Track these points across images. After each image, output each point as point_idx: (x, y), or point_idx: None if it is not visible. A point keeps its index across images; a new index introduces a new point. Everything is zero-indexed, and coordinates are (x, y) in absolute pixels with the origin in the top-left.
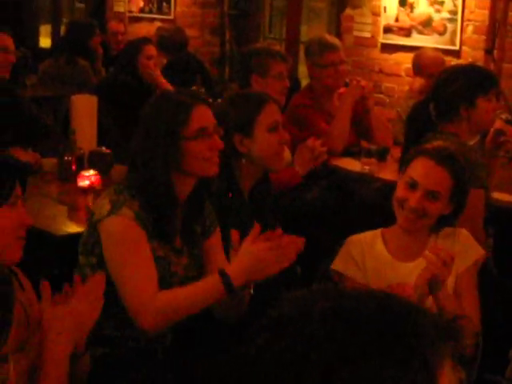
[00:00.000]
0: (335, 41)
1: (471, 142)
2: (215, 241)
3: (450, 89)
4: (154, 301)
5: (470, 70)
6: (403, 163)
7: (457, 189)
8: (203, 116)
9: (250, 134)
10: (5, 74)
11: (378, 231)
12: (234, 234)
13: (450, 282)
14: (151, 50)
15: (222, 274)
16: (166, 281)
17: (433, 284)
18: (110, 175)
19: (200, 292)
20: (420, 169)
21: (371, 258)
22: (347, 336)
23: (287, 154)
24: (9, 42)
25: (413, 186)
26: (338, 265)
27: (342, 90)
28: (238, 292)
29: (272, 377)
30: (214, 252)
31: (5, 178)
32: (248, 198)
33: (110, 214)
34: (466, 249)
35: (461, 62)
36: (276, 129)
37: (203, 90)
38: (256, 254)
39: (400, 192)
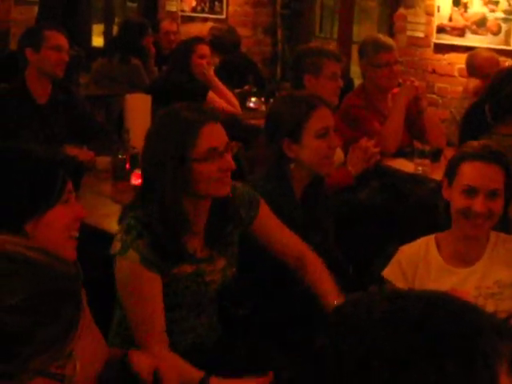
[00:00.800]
0: (390, 41)
1: None
2: (264, 215)
3: (505, 90)
4: (155, 345)
5: None
6: (449, 173)
7: (509, 180)
8: (213, 135)
9: (298, 140)
10: (59, 73)
11: (432, 237)
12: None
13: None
14: (204, 49)
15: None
16: (202, 292)
17: None
18: None
19: (182, 375)
20: (473, 173)
21: (425, 265)
22: (410, 337)
23: (340, 154)
24: (63, 41)
25: (471, 192)
26: (388, 273)
27: (395, 90)
28: None
29: (335, 379)
30: (269, 225)
31: (57, 176)
32: (300, 200)
33: (119, 255)
34: None
35: None
36: (326, 135)
37: (255, 89)
38: None
39: (460, 202)
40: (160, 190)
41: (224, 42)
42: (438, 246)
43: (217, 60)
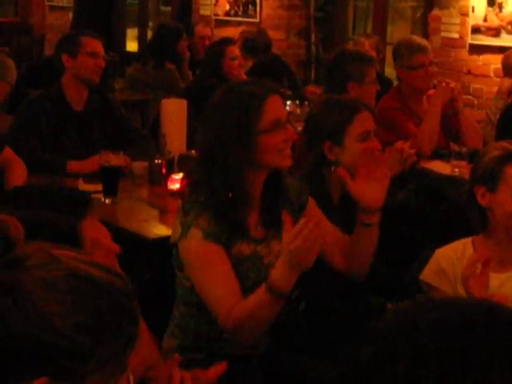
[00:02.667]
0: (424, 42)
1: None
2: (311, 213)
3: None
4: (229, 314)
5: None
6: (488, 179)
7: None
8: (277, 107)
9: (340, 143)
10: (95, 78)
11: (469, 240)
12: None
13: None
14: (234, 50)
15: (270, 290)
16: (263, 276)
17: None
18: None
19: (256, 303)
20: None
21: (462, 267)
22: (456, 348)
23: None
24: (99, 47)
25: None
26: (427, 276)
27: (430, 91)
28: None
29: None
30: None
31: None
32: (338, 204)
33: (182, 238)
34: None
35: None
36: (367, 138)
37: (290, 93)
38: (287, 248)
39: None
40: (223, 163)
41: (255, 45)
42: (476, 249)
43: (249, 63)
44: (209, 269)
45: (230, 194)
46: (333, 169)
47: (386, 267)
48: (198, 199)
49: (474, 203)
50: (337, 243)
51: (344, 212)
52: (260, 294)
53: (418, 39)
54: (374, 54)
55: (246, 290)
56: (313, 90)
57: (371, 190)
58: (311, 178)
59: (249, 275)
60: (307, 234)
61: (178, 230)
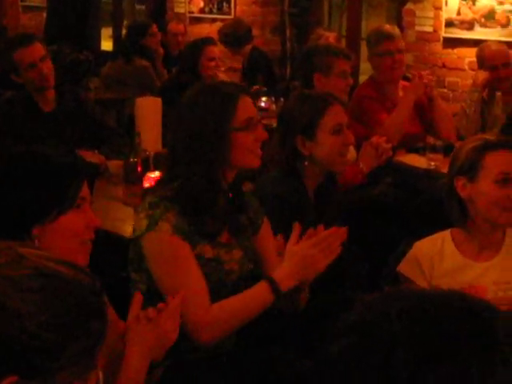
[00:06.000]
0: (393, 31)
1: None
2: (265, 233)
3: None
4: (207, 315)
5: None
6: (468, 169)
7: None
8: (249, 106)
9: (312, 137)
10: (47, 84)
11: (447, 232)
12: (279, 238)
13: None
14: (213, 51)
15: (270, 281)
16: (222, 282)
17: None
18: None
19: (249, 301)
20: (504, 161)
21: (441, 261)
22: (430, 335)
23: (352, 152)
24: (37, 52)
25: (505, 180)
26: (404, 268)
27: (404, 83)
28: (287, 295)
29: (357, 378)
30: (266, 245)
31: (71, 181)
32: (313, 198)
33: (149, 230)
34: None
35: None
36: (339, 131)
37: (265, 89)
38: (300, 254)
39: (496, 194)
40: (196, 161)
41: (237, 36)
42: (455, 241)
43: (239, 57)
44: (179, 264)
45: (204, 193)
46: (306, 163)
47: (363, 262)
48: (165, 195)
49: (453, 195)
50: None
51: (319, 205)
52: (257, 289)
53: (387, 28)
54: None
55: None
56: None
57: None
58: (285, 174)
59: (210, 279)
60: (325, 245)
61: (143, 222)
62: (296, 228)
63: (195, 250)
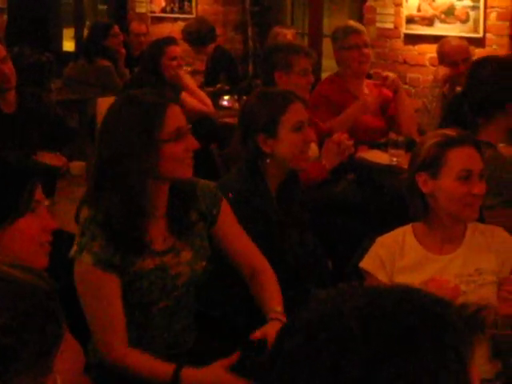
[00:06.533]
0: (360, 26)
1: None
2: (226, 219)
3: (496, 85)
4: (123, 355)
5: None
6: (430, 165)
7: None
8: (177, 116)
9: (274, 135)
10: (8, 85)
11: (409, 227)
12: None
13: (492, 284)
14: (174, 50)
15: (174, 375)
16: (168, 287)
17: None
18: None
19: (152, 372)
20: (465, 157)
21: (404, 255)
22: (381, 333)
23: (314, 149)
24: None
25: (467, 176)
26: (366, 264)
27: (368, 81)
28: None
29: (309, 376)
30: (229, 231)
31: (25, 184)
32: (276, 197)
33: (76, 257)
34: (505, 250)
35: (486, 50)
36: (301, 128)
37: (228, 88)
38: (218, 379)
39: (458, 189)
40: (124, 175)
41: (201, 35)
42: (416, 235)
43: (203, 56)
44: (95, 295)
45: (131, 208)
46: (268, 160)
47: (327, 259)
48: (95, 217)
49: (415, 190)
50: (246, 270)
51: (283, 205)
52: (163, 369)
53: (353, 23)
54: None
55: (152, 303)
56: None
57: None
58: (247, 173)
59: (152, 289)
60: None
61: (74, 247)
62: (235, 356)
63: (134, 268)
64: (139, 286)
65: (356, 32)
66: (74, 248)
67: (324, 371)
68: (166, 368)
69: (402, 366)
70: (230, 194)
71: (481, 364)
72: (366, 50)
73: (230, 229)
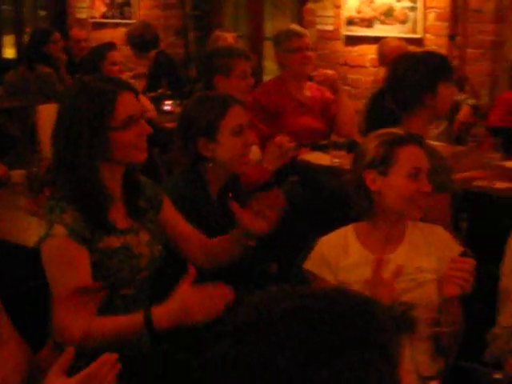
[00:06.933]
0: (302, 29)
1: (437, 130)
2: (169, 211)
3: (409, 79)
4: (86, 324)
5: (427, 57)
6: (380, 163)
7: None
8: (129, 103)
9: (214, 138)
10: None
11: (350, 227)
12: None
13: (433, 282)
14: (115, 55)
15: (146, 318)
16: (134, 267)
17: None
18: None
19: (121, 328)
20: (414, 156)
21: (346, 256)
22: (310, 336)
23: (256, 151)
24: None
25: (416, 174)
26: (310, 265)
27: (310, 83)
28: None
29: (239, 381)
30: (173, 221)
31: None
32: (217, 201)
33: (46, 236)
34: (444, 248)
35: (424, 49)
36: (241, 132)
37: (170, 92)
38: (184, 302)
39: (407, 187)
40: (77, 162)
41: (145, 40)
42: (359, 236)
43: (145, 61)
44: (71, 266)
45: (89, 190)
46: (210, 165)
47: (271, 261)
48: (63, 195)
49: (362, 189)
50: (196, 242)
51: (222, 207)
52: (132, 319)
53: (295, 26)
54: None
55: (123, 280)
56: None
57: (260, 221)
58: (188, 177)
59: (123, 267)
60: (211, 303)
61: (43, 228)
62: (191, 271)
63: (100, 245)
64: (109, 265)
65: (298, 35)
66: (43, 229)
67: (252, 376)
68: (135, 318)
69: (329, 369)
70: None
71: (424, 361)
72: (308, 53)
73: (174, 215)
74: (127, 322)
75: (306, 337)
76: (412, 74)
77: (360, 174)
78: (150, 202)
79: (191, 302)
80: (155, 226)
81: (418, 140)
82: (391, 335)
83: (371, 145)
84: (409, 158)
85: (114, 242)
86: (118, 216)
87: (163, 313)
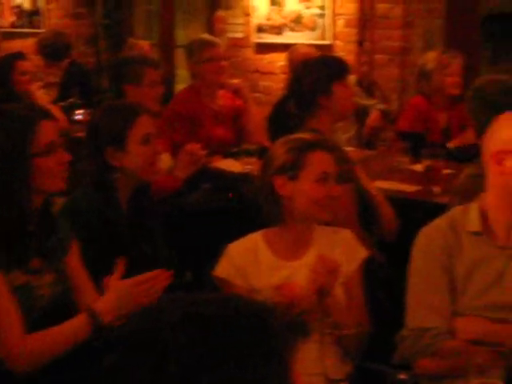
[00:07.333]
0: (214, 39)
1: (347, 135)
2: (75, 257)
3: (305, 82)
4: (23, 345)
5: (321, 60)
6: (289, 167)
7: None
8: (49, 130)
9: (122, 148)
10: None
11: (259, 234)
12: (105, 281)
13: (338, 284)
14: (24, 65)
15: (90, 313)
16: (32, 308)
17: (321, 292)
18: None
19: (68, 333)
20: (323, 160)
21: (255, 262)
22: (202, 343)
23: (167, 159)
24: None
25: (325, 179)
26: (220, 271)
27: (222, 93)
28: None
29: None
30: (76, 270)
31: None
32: (127, 211)
33: None
34: (350, 251)
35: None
36: (149, 140)
37: (80, 101)
38: (125, 290)
39: (317, 191)
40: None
41: (56, 48)
42: (268, 242)
43: (55, 70)
44: None
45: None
46: (118, 174)
47: (185, 270)
48: None
49: (271, 194)
50: (88, 300)
51: (135, 219)
52: (76, 321)
53: (208, 36)
54: (152, 55)
55: None
56: None
57: None
58: (96, 187)
59: (18, 306)
60: (150, 286)
61: None
62: (120, 263)
63: (8, 277)
64: None
65: (211, 45)
66: None
67: (144, 383)
68: (77, 319)
69: (222, 376)
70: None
71: (332, 364)
72: (222, 63)
73: (77, 264)
74: (70, 325)
75: (197, 343)
76: (307, 77)
77: (269, 180)
78: (60, 242)
79: (126, 287)
80: (62, 267)
81: (326, 145)
82: (284, 340)
83: (280, 150)
84: (317, 162)
85: (18, 278)
86: (27, 251)
87: (104, 305)
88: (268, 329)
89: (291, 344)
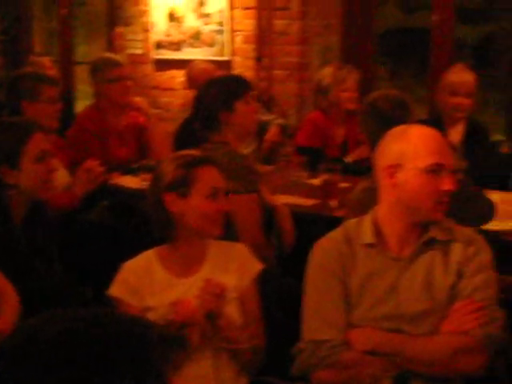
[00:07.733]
0: (120, 58)
1: (247, 150)
2: None
3: (207, 99)
4: None
5: (223, 78)
6: (178, 185)
7: None
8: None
9: (16, 166)
10: None
11: (152, 251)
12: None
13: (232, 300)
14: None
15: None
16: None
17: (209, 316)
18: None
19: None
20: (212, 176)
21: (149, 280)
22: (76, 358)
23: (64, 176)
24: None
25: (215, 194)
26: (115, 291)
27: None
28: None
29: None
30: None
31: None
32: (22, 228)
33: None
34: (244, 265)
35: (234, 72)
36: (43, 158)
37: None
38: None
39: (206, 207)
40: None
41: None
42: (161, 259)
43: None
44: None
45: None
46: (13, 192)
47: (86, 287)
48: None
49: (161, 211)
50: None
51: (29, 236)
52: None
53: (113, 55)
54: (54, 71)
55: None
56: None
57: None
58: None
59: None
60: None
61: None
62: None
63: None
64: None
65: (117, 65)
66: None
67: None
68: None
69: None
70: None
71: (228, 378)
72: (127, 83)
73: None
74: None
75: (73, 358)
76: (207, 94)
77: (159, 197)
78: None
79: None
80: None
81: (212, 161)
82: (161, 354)
83: (169, 167)
84: (207, 178)
85: None
86: None
87: None
88: (144, 344)
89: (169, 359)
